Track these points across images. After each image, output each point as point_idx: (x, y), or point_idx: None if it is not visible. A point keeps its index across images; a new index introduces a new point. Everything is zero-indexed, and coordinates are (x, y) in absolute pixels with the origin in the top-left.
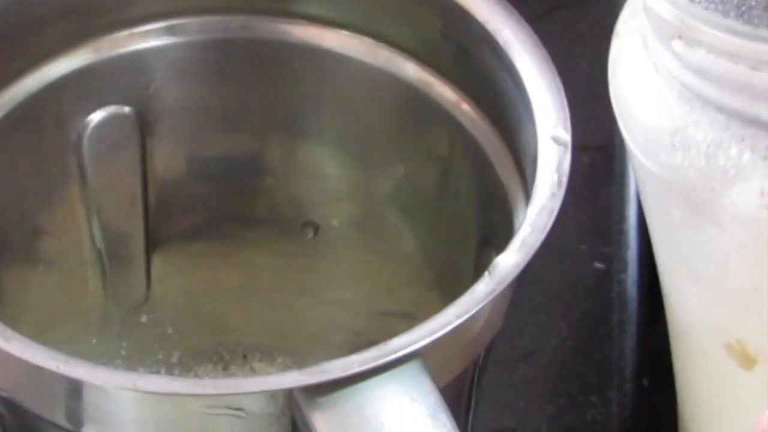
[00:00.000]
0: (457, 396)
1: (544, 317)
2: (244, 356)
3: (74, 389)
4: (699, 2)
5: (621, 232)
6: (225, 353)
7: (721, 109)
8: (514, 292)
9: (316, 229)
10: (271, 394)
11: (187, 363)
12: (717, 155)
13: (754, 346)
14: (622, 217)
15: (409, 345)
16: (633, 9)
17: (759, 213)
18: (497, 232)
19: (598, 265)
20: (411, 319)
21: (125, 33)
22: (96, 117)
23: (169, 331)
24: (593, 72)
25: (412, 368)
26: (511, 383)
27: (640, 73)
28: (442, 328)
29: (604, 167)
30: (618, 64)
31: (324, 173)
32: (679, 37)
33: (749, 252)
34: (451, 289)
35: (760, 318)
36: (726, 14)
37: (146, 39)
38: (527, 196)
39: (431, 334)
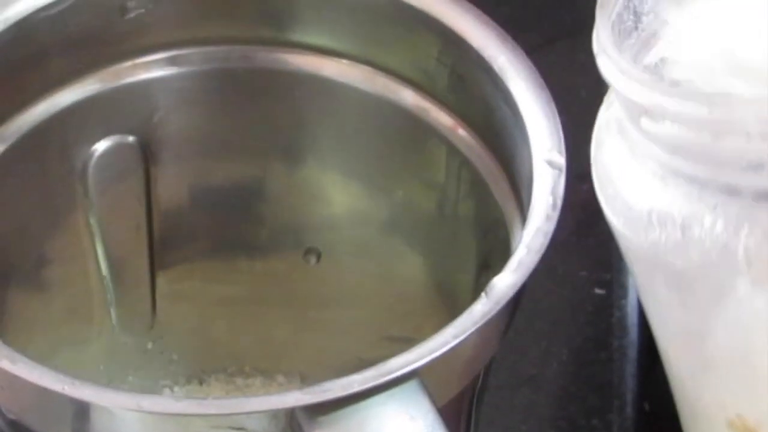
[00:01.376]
0: (456, 416)
1: (546, 342)
2: (249, 381)
3: (80, 411)
4: (661, 79)
5: (621, 259)
6: (230, 378)
7: (691, 180)
8: (512, 312)
9: (319, 255)
10: (273, 414)
11: (193, 388)
12: (692, 226)
13: (752, 419)
14: None
15: (408, 364)
16: (609, 101)
17: (738, 283)
18: (495, 255)
19: (598, 291)
20: (413, 343)
21: (129, 64)
22: (101, 146)
23: (175, 356)
24: (592, 101)
25: (411, 387)
26: (513, 407)
27: (618, 158)
28: (441, 347)
29: None
30: (599, 153)
31: (325, 200)
32: (646, 113)
33: (733, 322)
34: (452, 312)
35: (751, 389)
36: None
37: (149, 69)
38: (524, 218)
39: (430, 354)
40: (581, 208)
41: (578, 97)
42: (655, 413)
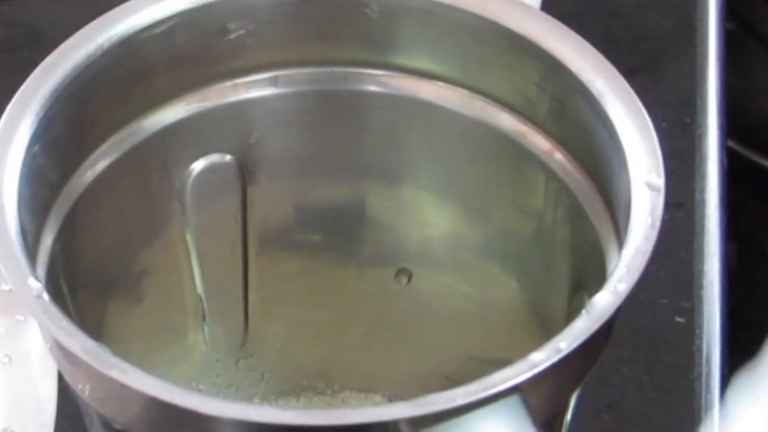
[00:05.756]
0: None
1: (627, 369)
2: (339, 399)
3: (188, 420)
4: None
5: (702, 287)
6: (320, 396)
7: None
8: (608, 332)
9: (410, 276)
10: (380, 426)
11: (283, 406)
12: None
13: None
14: (702, 273)
15: (511, 378)
16: None
17: None
18: (589, 277)
19: (679, 319)
20: (499, 364)
21: (230, 83)
22: (199, 165)
23: (265, 374)
24: (672, 132)
25: (513, 402)
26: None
27: None
28: (543, 363)
29: (684, 224)
30: None
31: (420, 221)
32: None
33: None
34: (542, 334)
35: None
36: None
37: (250, 89)
38: (620, 241)
39: (532, 369)
40: (662, 237)
41: (659, 127)
42: None
